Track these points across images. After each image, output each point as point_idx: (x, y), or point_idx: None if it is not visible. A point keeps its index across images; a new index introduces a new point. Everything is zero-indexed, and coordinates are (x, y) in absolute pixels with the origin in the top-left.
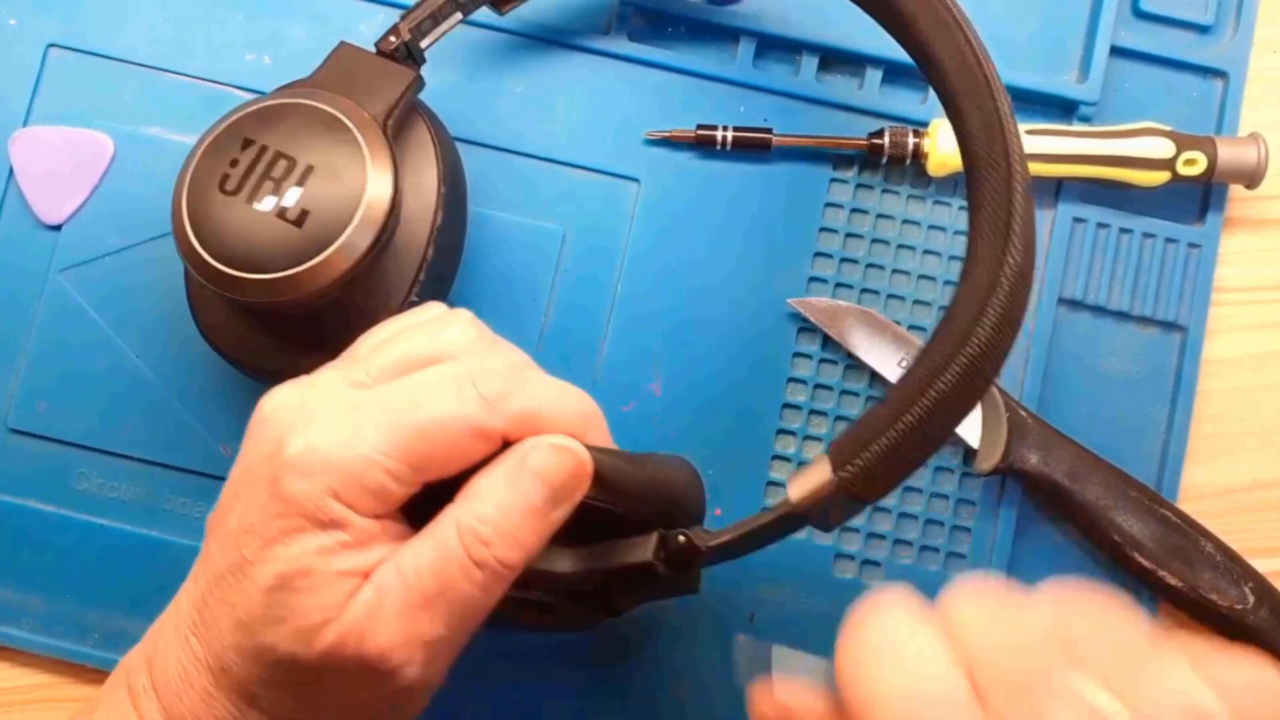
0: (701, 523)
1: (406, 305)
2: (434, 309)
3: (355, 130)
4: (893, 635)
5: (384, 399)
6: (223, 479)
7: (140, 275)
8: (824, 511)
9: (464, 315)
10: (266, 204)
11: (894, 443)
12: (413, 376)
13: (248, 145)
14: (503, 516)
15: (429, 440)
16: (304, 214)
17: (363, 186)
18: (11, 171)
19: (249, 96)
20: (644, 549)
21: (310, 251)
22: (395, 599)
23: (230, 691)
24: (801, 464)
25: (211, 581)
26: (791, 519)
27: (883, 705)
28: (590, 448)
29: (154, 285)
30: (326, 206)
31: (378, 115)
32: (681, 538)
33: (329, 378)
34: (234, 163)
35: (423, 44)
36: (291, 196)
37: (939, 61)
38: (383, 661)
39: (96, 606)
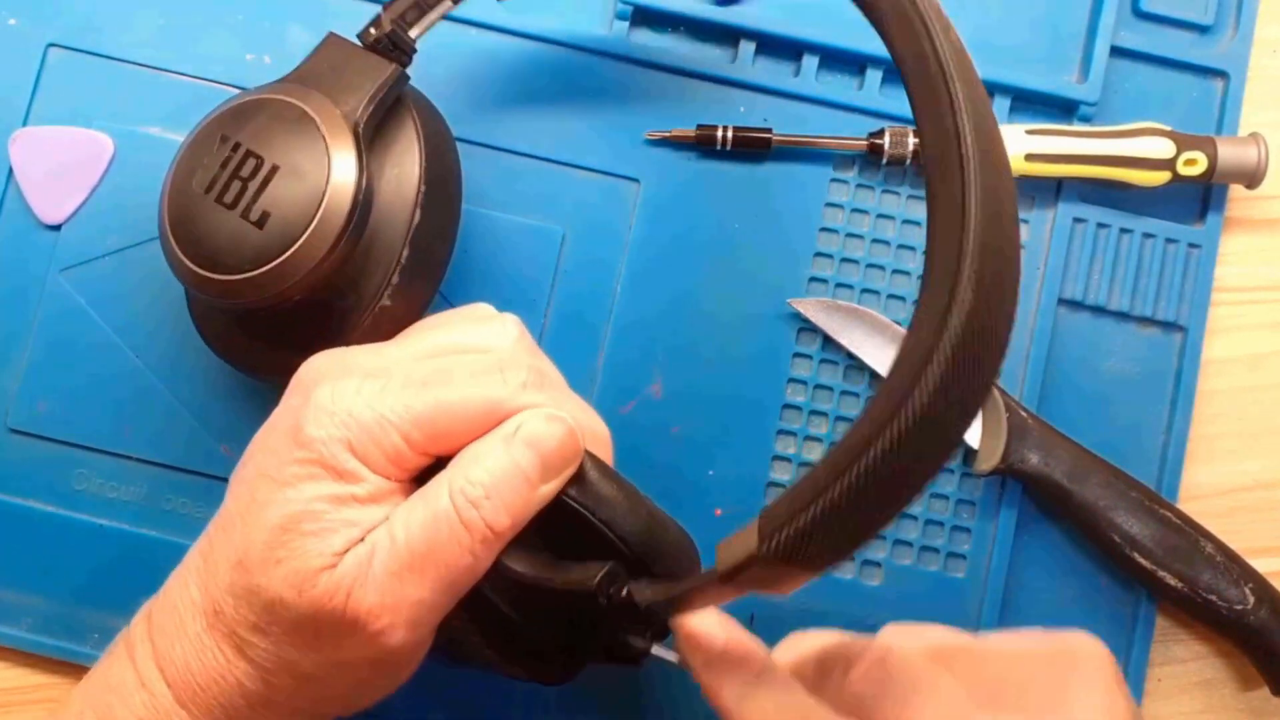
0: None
1: (379, 309)
2: (483, 309)
3: (322, 127)
4: None
5: (413, 370)
6: (223, 479)
7: (140, 275)
8: (757, 582)
9: (511, 319)
10: (234, 203)
11: (823, 514)
12: (446, 357)
13: (223, 142)
14: (493, 480)
15: (448, 413)
16: (265, 215)
17: (324, 187)
18: (11, 171)
19: None
20: (590, 575)
21: (271, 253)
22: (385, 557)
23: (221, 636)
24: (802, 465)
25: (219, 526)
26: (721, 587)
27: None
28: (587, 452)
29: (154, 285)
30: (287, 207)
31: (351, 111)
32: (625, 589)
33: (369, 347)
34: (209, 160)
35: (412, 34)
36: (255, 197)
37: (902, 61)
38: (369, 621)
39: (96, 607)
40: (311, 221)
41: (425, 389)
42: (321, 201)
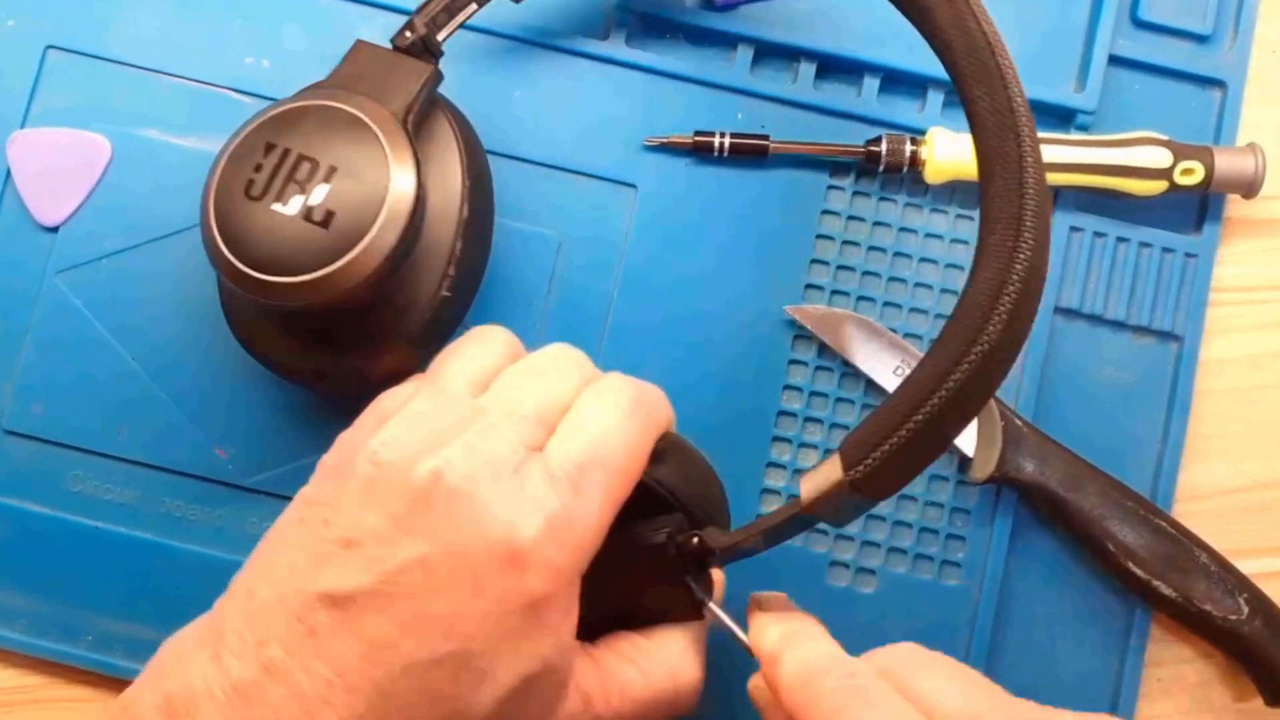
0: (727, 528)
1: (439, 299)
2: (497, 334)
3: (375, 128)
4: None
5: (579, 455)
6: (219, 482)
7: (137, 278)
8: (835, 510)
9: (565, 346)
10: (292, 207)
11: (905, 442)
12: (585, 422)
13: (270, 149)
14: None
15: (631, 479)
16: (329, 214)
17: (386, 183)
18: (9, 173)
19: (247, 100)
20: (657, 528)
21: (338, 252)
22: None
23: None
24: (798, 471)
25: (402, 671)
26: (803, 519)
27: None
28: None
29: (151, 287)
30: (351, 205)
31: (397, 111)
32: (695, 538)
33: (503, 444)
34: (258, 168)
35: (439, 36)
36: (316, 197)
37: (950, 49)
38: None
39: (91, 608)
40: (377, 218)
41: (611, 472)
42: (385, 198)
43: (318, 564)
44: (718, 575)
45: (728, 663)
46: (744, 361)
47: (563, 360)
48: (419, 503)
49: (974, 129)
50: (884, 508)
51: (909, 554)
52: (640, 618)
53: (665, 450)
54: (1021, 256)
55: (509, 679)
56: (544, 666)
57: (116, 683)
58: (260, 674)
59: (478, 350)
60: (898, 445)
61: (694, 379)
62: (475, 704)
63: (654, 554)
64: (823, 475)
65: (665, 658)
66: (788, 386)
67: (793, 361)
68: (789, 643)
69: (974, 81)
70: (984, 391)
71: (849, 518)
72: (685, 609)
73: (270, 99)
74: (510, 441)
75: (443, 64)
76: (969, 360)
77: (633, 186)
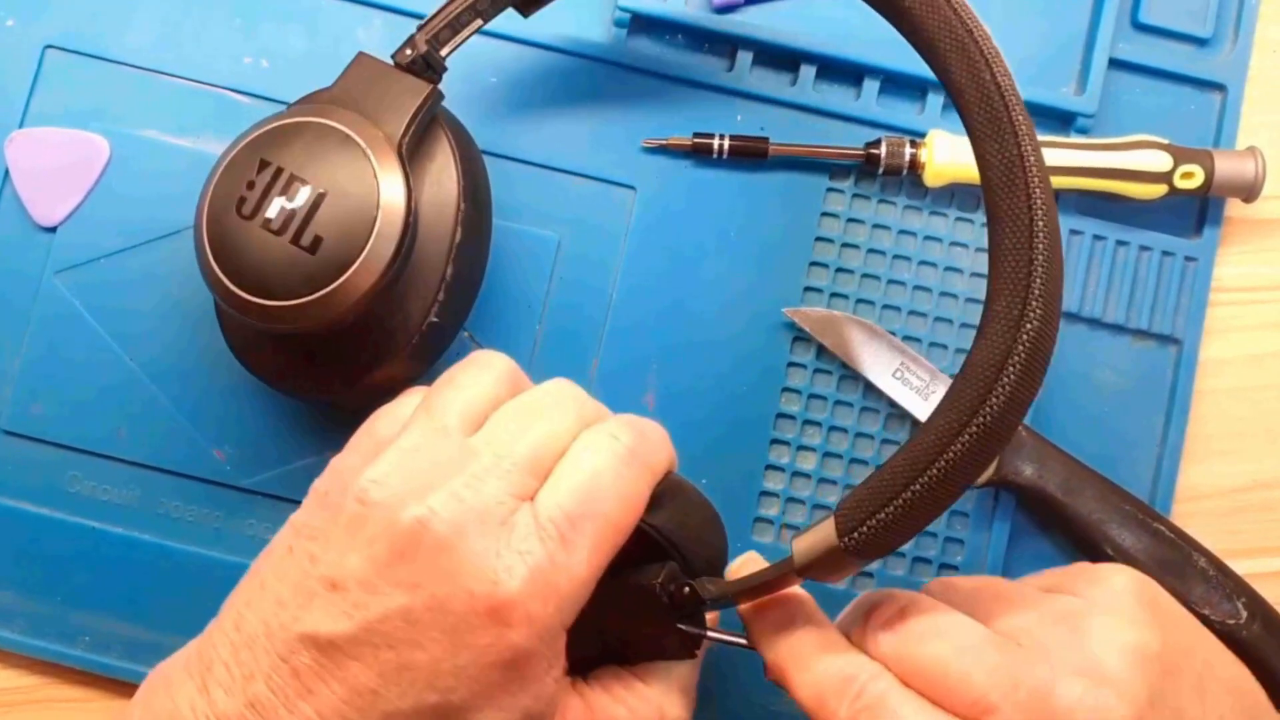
0: (720, 574)
1: (427, 325)
2: (496, 362)
3: (367, 150)
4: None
5: (571, 506)
6: (217, 483)
7: (136, 278)
8: (827, 571)
9: (564, 382)
10: (281, 230)
11: (902, 510)
12: (578, 470)
13: (264, 167)
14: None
15: (623, 531)
16: (317, 240)
17: (375, 211)
18: (7, 173)
19: (246, 100)
20: (651, 575)
21: (325, 278)
22: None
23: None
24: (796, 474)
25: (383, 718)
26: (793, 578)
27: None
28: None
29: (149, 288)
30: (340, 232)
31: (393, 132)
32: (686, 588)
33: (492, 493)
34: (250, 185)
35: (442, 53)
36: (306, 222)
37: (959, 90)
38: None
39: (88, 609)
40: (365, 245)
41: (602, 523)
42: (374, 226)
43: (303, 602)
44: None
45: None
46: (743, 364)
47: (561, 399)
48: (404, 550)
49: (984, 183)
50: None
51: (907, 557)
52: (634, 654)
53: (664, 494)
54: (1028, 328)
55: None
56: (525, 717)
57: (114, 683)
58: (245, 709)
59: (476, 380)
60: (894, 513)
61: (692, 381)
62: None
63: (647, 598)
64: (818, 537)
65: (654, 697)
66: (786, 389)
67: (791, 364)
68: (796, 665)
69: (986, 135)
70: (984, 459)
71: (842, 577)
72: (678, 649)
73: (269, 99)
74: (499, 490)
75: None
76: (970, 431)
77: (632, 188)
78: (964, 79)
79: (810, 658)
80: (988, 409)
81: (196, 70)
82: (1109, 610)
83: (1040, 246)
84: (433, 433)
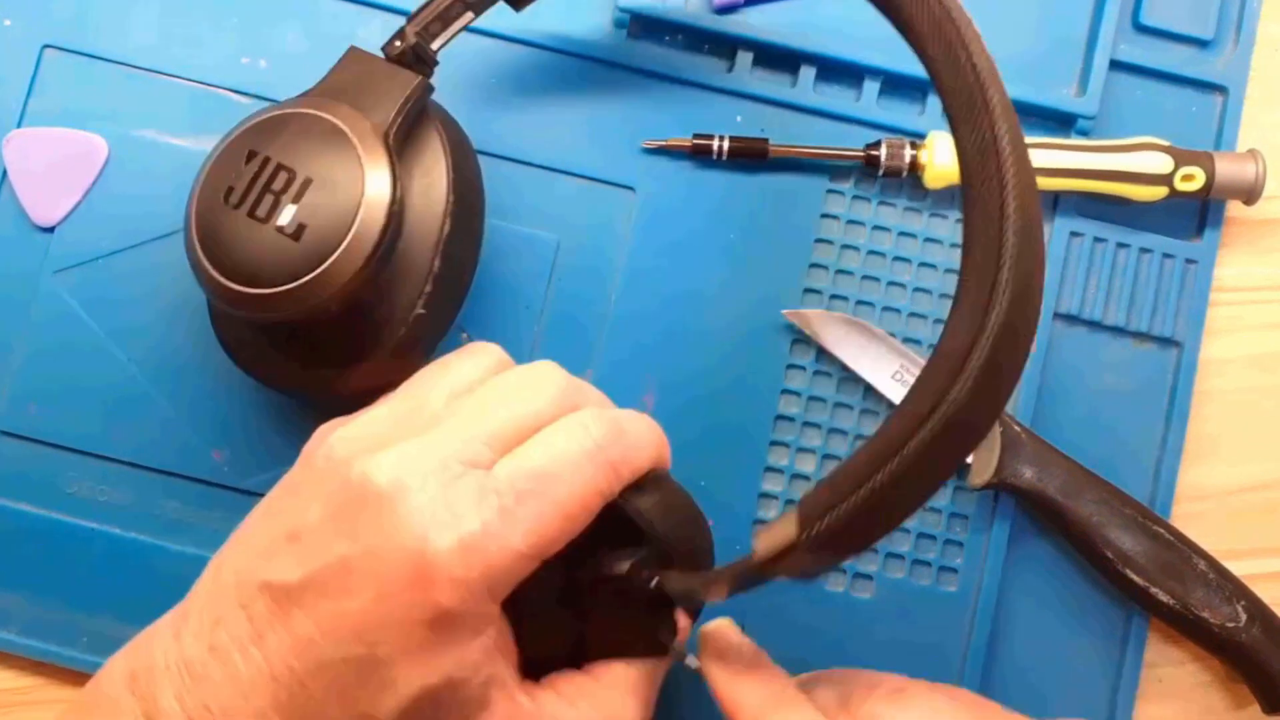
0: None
1: (414, 318)
2: (490, 351)
3: (354, 139)
4: None
5: (521, 482)
6: (215, 484)
7: (133, 278)
8: (792, 568)
9: (550, 366)
10: (268, 217)
11: (864, 504)
12: (537, 452)
13: (251, 157)
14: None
15: (572, 520)
16: (301, 228)
17: (359, 198)
18: (5, 172)
19: (244, 100)
20: (622, 561)
21: (308, 266)
22: None
23: None
24: (795, 476)
25: (317, 667)
26: (757, 573)
27: None
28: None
29: (147, 288)
30: (323, 220)
31: (380, 123)
32: (654, 579)
33: (441, 455)
34: (238, 175)
35: (433, 46)
36: (289, 210)
37: (937, 73)
38: None
39: (86, 610)
40: (348, 232)
41: (547, 504)
42: (357, 212)
43: (267, 553)
44: (684, 620)
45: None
46: (742, 365)
47: (540, 382)
48: (351, 503)
49: (960, 169)
50: None
51: (906, 559)
52: (601, 649)
53: (650, 483)
54: (993, 318)
55: (410, 690)
56: (445, 682)
57: None
58: (207, 654)
59: (466, 365)
60: (856, 506)
61: (691, 382)
62: (380, 709)
63: (616, 585)
64: (778, 532)
65: (607, 702)
66: (786, 391)
67: (791, 366)
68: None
69: (961, 119)
70: (952, 453)
71: (811, 575)
72: (647, 646)
73: (267, 99)
74: (450, 454)
75: (440, 65)
76: (930, 425)
77: (631, 189)
78: (941, 61)
79: (780, 712)
80: (950, 400)
81: (195, 70)
82: None
83: (1011, 231)
84: (412, 403)
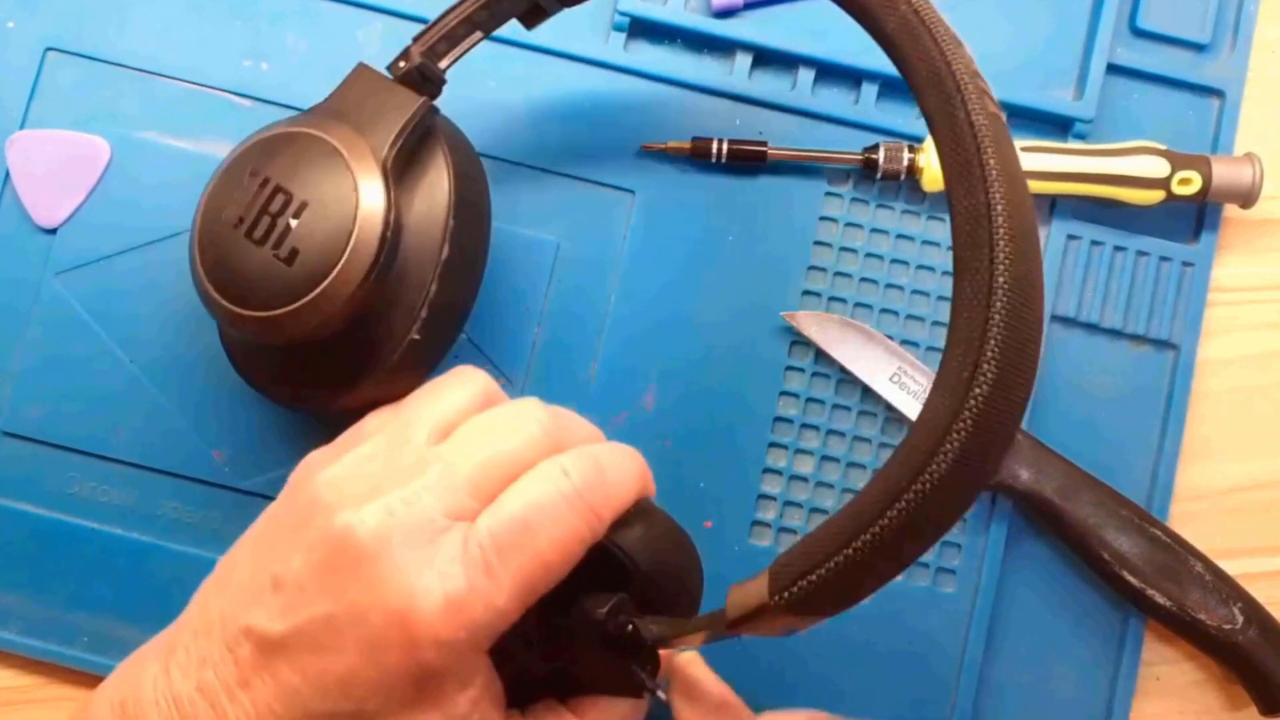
0: (695, 601)
1: (408, 343)
2: (476, 379)
3: (350, 163)
4: None
5: (503, 535)
6: (215, 484)
7: (135, 280)
8: (765, 627)
9: (533, 404)
10: (264, 240)
11: (839, 571)
12: (518, 502)
13: (253, 177)
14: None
15: (555, 569)
16: (294, 251)
17: (352, 224)
18: (8, 174)
19: (246, 103)
20: (599, 605)
21: (300, 290)
22: None
23: None
24: (794, 478)
25: (303, 717)
26: (729, 631)
27: None
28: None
29: (149, 290)
30: (317, 244)
31: (378, 146)
32: (630, 626)
33: (426, 510)
34: (239, 195)
35: (441, 64)
36: (285, 233)
37: (931, 121)
38: None
39: (87, 610)
40: (340, 259)
41: (529, 557)
42: (350, 239)
43: (252, 598)
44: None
45: None
46: (740, 368)
47: (520, 421)
48: (334, 556)
49: (952, 230)
50: None
51: None
52: (583, 685)
53: (634, 516)
54: (976, 393)
55: None
56: None
57: None
58: (195, 692)
59: (450, 395)
60: (831, 573)
61: (690, 384)
62: None
63: (593, 629)
64: (750, 591)
65: None
66: (784, 393)
67: (789, 368)
68: None
69: (955, 177)
70: (933, 524)
71: (785, 634)
72: (626, 684)
73: (269, 102)
74: (435, 508)
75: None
76: (906, 499)
77: (630, 192)
78: (936, 109)
79: None
80: (930, 473)
81: (197, 73)
82: None
83: (999, 304)
84: (396, 440)
